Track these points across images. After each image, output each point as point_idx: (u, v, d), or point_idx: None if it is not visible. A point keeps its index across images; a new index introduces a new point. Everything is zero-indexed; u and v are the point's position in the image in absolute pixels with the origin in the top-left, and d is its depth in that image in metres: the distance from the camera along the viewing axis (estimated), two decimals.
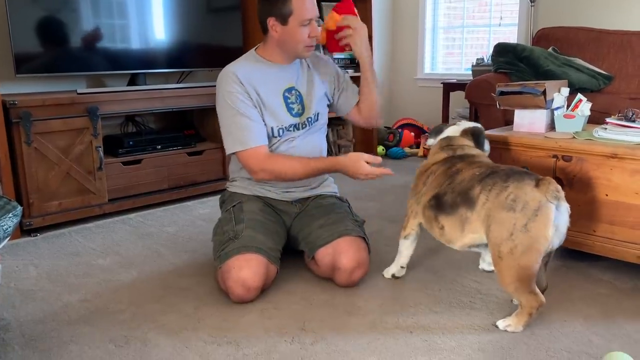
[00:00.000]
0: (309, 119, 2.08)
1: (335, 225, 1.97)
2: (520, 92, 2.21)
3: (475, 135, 1.96)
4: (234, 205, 2.05)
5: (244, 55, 2.10)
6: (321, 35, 2.04)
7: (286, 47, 1.99)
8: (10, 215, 1.42)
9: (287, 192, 2.10)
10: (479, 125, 2.02)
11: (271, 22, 1.94)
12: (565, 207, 1.61)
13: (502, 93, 2.24)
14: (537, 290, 1.62)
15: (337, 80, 2.20)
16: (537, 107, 2.19)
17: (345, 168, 1.93)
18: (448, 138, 1.96)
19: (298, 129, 2.06)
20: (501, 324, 1.66)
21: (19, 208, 1.49)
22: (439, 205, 1.76)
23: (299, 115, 2.06)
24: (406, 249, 2.00)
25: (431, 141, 2.02)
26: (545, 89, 2.13)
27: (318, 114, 2.11)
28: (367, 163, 1.93)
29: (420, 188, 1.89)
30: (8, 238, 1.45)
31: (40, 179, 2.58)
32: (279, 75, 2.04)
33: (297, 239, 2.08)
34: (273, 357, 1.53)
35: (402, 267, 2.02)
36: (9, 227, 1.41)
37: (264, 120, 1.97)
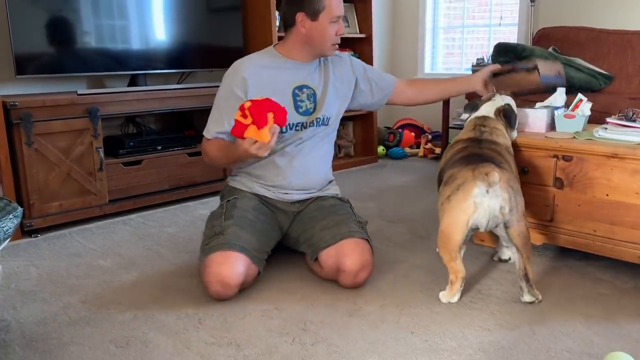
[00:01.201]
0: (318, 120, 2.07)
1: (338, 227, 1.97)
2: (512, 70, 2.22)
3: (507, 116, 2.07)
4: (229, 200, 2.06)
5: (261, 50, 2.11)
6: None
7: (313, 44, 1.99)
8: (10, 216, 1.43)
9: (286, 194, 2.10)
10: (510, 102, 2.10)
11: (300, 17, 1.94)
12: (496, 193, 1.72)
13: (495, 75, 2.25)
14: (458, 261, 1.79)
15: (360, 78, 2.20)
16: (533, 83, 2.18)
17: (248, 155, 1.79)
18: (483, 118, 2.06)
19: (305, 128, 2.05)
20: (440, 294, 1.86)
21: (20, 209, 1.49)
22: (440, 180, 1.94)
23: (308, 113, 2.05)
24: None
25: (465, 115, 2.12)
26: (537, 65, 2.14)
27: (329, 117, 2.09)
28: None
29: (442, 163, 2.03)
30: (9, 239, 1.45)
31: (40, 180, 2.58)
32: (293, 72, 2.04)
33: (298, 241, 2.07)
34: (274, 357, 1.53)
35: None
36: (10, 228, 1.41)
37: None
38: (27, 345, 1.62)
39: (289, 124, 2.00)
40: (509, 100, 2.12)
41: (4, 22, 2.64)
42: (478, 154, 1.85)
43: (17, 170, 2.54)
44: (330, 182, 2.24)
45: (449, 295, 1.83)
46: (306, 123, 2.05)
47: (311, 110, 2.05)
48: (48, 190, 2.61)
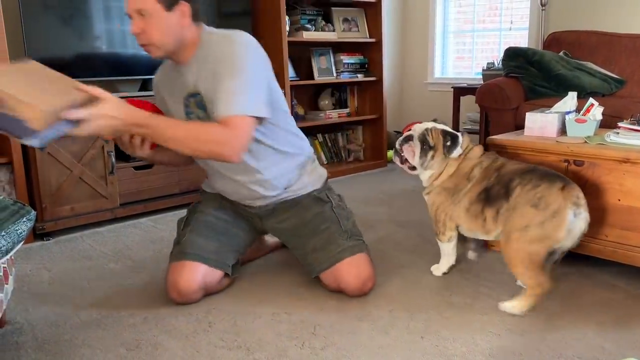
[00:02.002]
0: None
1: (329, 248, 1.88)
2: None
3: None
4: (192, 206, 2.08)
5: None
6: None
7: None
8: (24, 219, 1.44)
9: (244, 204, 1.99)
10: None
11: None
12: (584, 215, 1.74)
13: None
14: (544, 277, 1.73)
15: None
16: None
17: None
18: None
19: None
20: (507, 305, 1.78)
21: (33, 213, 1.50)
22: (487, 197, 1.86)
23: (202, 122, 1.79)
24: (453, 250, 2.07)
25: (458, 151, 1.95)
26: None
27: None
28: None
29: (463, 185, 1.94)
30: (22, 242, 1.47)
31: (53, 183, 2.60)
32: (178, 81, 1.81)
33: (295, 255, 2.05)
34: None
35: (451, 265, 2.12)
36: (23, 231, 1.42)
37: None
38: (39, 347, 1.63)
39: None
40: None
41: (19, 29, 2.67)
42: (536, 169, 1.82)
43: (29, 174, 2.57)
44: (294, 182, 1.97)
45: (522, 306, 1.76)
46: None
47: (204, 118, 1.78)
48: (60, 194, 2.63)
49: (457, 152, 1.93)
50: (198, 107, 1.78)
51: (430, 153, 1.96)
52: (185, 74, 1.77)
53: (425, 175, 2.03)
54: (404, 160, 2.02)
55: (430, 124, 1.99)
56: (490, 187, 1.86)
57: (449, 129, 1.98)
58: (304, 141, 2.03)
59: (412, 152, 1.99)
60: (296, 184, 1.97)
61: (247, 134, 1.63)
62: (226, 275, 1.95)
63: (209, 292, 1.92)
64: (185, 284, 1.83)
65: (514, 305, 1.77)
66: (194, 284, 1.84)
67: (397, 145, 2.03)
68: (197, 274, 1.84)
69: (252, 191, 1.91)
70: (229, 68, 1.65)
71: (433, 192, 2.02)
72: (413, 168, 2.02)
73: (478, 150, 1.99)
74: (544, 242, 1.71)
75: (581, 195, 1.74)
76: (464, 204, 1.92)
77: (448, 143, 1.93)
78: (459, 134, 1.96)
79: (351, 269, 1.87)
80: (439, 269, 2.11)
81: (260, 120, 1.71)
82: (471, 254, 2.25)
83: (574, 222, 1.71)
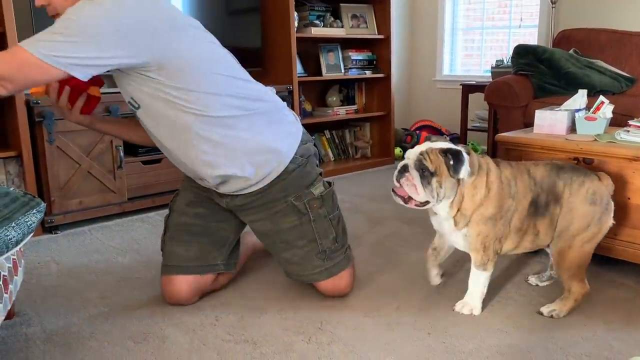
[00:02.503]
0: (131, 105, 1.70)
1: (305, 267, 1.81)
2: None
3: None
4: (171, 201, 1.97)
5: None
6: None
7: None
8: (34, 211, 1.45)
9: (215, 191, 1.83)
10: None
11: None
12: (612, 203, 1.76)
13: None
14: (585, 279, 1.73)
15: None
16: None
17: None
18: (464, 147, 1.68)
19: (136, 111, 1.71)
20: (545, 310, 1.74)
21: (43, 204, 1.51)
22: (537, 209, 1.70)
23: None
24: (487, 282, 1.77)
25: (466, 168, 1.60)
26: None
27: (131, 97, 1.66)
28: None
29: (508, 205, 1.67)
30: (32, 234, 1.48)
31: (61, 177, 2.61)
32: None
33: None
34: (290, 356, 1.54)
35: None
36: (33, 222, 1.43)
37: None
38: (48, 339, 1.64)
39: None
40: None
41: (29, 23, 2.68)
42: (562, 164, 1.75)
43: (38, 167, 2.58)
44: (271, 170, 1.74)
45: (562, 311, 1.73)
46: (131, 107, 1.72)
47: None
48: (69, 188, 2.65)
49: (466, 169, 1.59)
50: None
51: (435, 180, 1.60)
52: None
53: (443, 207, 1.67)
54: (407, 199, 1.65)
55: (424, 146, 1.63)
56: (536, 198, 1.69)
57: (448, 145, 1.63)
58: (260, 102, 1.71)
59: (413, 186, 1.62)
60: (263, 171, 1.73)
61: (14, 64, 1.41)
62: (219, 273, 1.92)
63: (206, 293, 1.91)
64: (176, 295, 1.84)
65: (552, 310, 1.73)
66: (184, 294, 1.84)
67: (394, 181, 1.66)
68: (184, 285, 1.83)
69: (197, 169, 1.71)
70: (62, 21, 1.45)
71: (473, 223, 1.66)
72: (424, 203, 1.65)
73: (489, 160, 1.70)
74: (597, 238, 1.71)
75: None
76: (515, 223, 1.70)
77: (451, 162, 1.59)
78: (460, 148, 1.63)
79: (327, 285, 1.85)
80: (478, 307, 1.77)
81: (59, 73, 1.44)
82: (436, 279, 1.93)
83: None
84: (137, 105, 1.66)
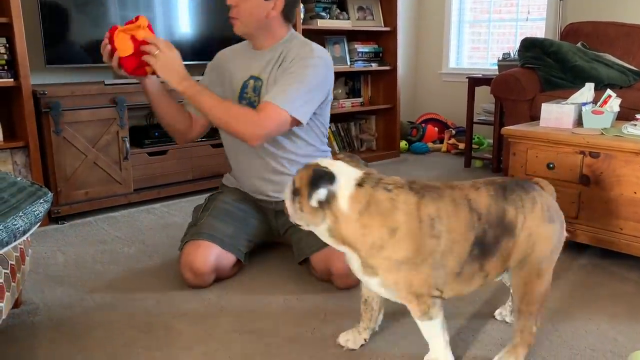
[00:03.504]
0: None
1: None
2: None
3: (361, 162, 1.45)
4: (212, 194, 2.12)
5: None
6: (114, 62, 1.72)
7: None
8: (41, 201, 1.46)
9: (254, 192, 2.06)
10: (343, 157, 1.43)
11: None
12: None
13: None
14: None
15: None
16: None
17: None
18: (367, 175, 1.35)
19: None
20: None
21: (50, 194, 1.52)
22: (484, 249, 1.34)
23: (252, 105, 1.87)
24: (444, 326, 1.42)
25: (322, 193, 1.29)
26: None
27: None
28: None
29: (431, 245, 1.30)
30: (39, 223, 1.49)
31: (68, 168, 2.63)
32: (247, 62, 1.94)
33: (290, 244, 2.05)
34: (294, 347, 1.55)
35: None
36: (40, 212, 1.44)
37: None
38: (54, 327, 1.66)
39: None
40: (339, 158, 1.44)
41: (35, 15, 2.69)
42: (504, 182, 1.41)
43: (45, 158, 2.59)
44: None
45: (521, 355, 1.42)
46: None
47: (255, 102, 1.88)
48: (75, 178, 2.66)
49: (318, 197, 1.29)
50: (254, 91, 1.90)
51: (297, 200, 1.34)
52: (257, 59, 1.92)
53: (323, 236, 1.38)
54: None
55: (325, 162, 1.36)
56: (482, 237, 1.33)
57: (330, 167, 1.32)
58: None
59: (287, 199, 1.38)
60: None
61: (274, 124, 1.73)
62: (237, 262, 1.96)
63: (220, 277, 1.94)
64: (200, 264, 1.84)
65: None
66: (209, 264, 1.85)
67: None
68: (211, 254, 1.86)
69: (264, 183, 1.97)
70: (297, 71, 1.78)
71: (381, 270, 1.32)
72: (300, 224, 1.40)
73: (406, 195, 1.32)
74: (557, 255, 1.43)
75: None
76: (451, 268, 1.33)
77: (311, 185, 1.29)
78: (335, 170, 1.31)
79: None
80: (447, 357, 1.42)
81: (296, 122, 1.80)
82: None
83: None
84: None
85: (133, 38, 1.68)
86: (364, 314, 1.55)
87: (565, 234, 1.44)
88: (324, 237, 1.38)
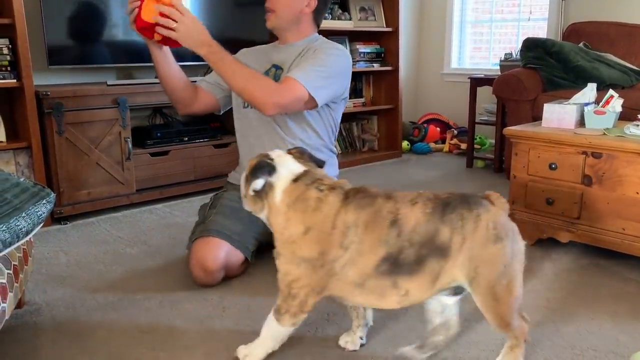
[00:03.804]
0: None
1: None
2: None
3: (311, 158, 1.47)
4: (217, 193, 2.14)
5: None
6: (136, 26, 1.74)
7: None
8: (44, 201, 1.46)
9: None
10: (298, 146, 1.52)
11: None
12: None
13: None
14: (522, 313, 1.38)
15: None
16: None
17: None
18: (305, 173, 1.38)
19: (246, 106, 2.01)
20: None
21: (52, 195, 1.52)
22: (397, 267, 1.28)
23: None
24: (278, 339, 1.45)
25: (259, 183, 1.35)
26: None
27: None
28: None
29: (335, 255, 1.30)
30: (41, 224, 1.49)
31: (70, 168, 2.63)
32: (271, 53, 2.06)
33: None
34: (297, 347, 1.55)
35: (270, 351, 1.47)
36: (43, 213, 1.45)
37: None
38: (57, 328, 1.66)
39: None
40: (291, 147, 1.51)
41: (38, 15, 2.69)
42: (449, 198, 1.33)
43: (48, 158, 2.60)
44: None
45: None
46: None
47: None
48: (77, 179, 2.67)
49: (254, 187, 1.35)
50: (274, 78, 1.94)
51: (245, 186, 1.41)
52: (281, 51, 2.02)
53: (266, 224, 1.44)
54: None
55: (275, 153, 1.42)
56: (395, 255, 1.27)
57: (276, 160, 1.38)
58: (331, 164, 2.09)
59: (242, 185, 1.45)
60: None
61: (291, 96, 1.76)
62: (244, 261, 1.97)
63: (228, 275, 1.94)
64: (211, 261, 1.84)
65: None
66: (219, 260, 1.86)
67: None
68: (221, 250, 1.86)
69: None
70: (319, 56, 1.86)
71: (282, 258, 1.36)
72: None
73: (334, 197, 1.33)
74: (520, 273, 1.33)
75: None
76: (352, 278, 1.31)
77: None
78: (279, 164, 1.37)
79: None
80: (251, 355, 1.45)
81: (311, 103, 1.84)
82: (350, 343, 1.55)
83: None
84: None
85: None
86: (351, 313, 1.55)
87: (521, 247, 1.32)
88: (267, 223, 1.43)
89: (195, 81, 2.11)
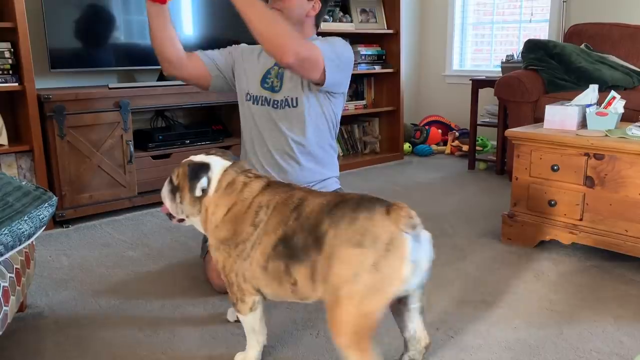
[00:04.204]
0: (284, 101, 1.96)
1: None
2: None
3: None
4: None
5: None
6: None
7: None
8: (46, 205, 1.46)
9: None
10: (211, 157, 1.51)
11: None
12: (426, 237, 1.27)
13: None
14: (372, 350, 1.24)
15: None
16: None
17: None
18: (235, 164, 1.48)
19: (276, 108, 1.96)
20: None
21: (54, 198, 1.52)
22: (289, 250, 1.30)
23: (272, 90, 1.96)
24: (259, 323, 1.47)
25: (204, 181, 1.42)
26: None
27: (296, 98, 1.94)
28: None
29: (248, 233, 1.36)
30: (44, 227, 1.49)
31: (72, 171, 2.64)
32: None
33: None
34: (299, 350, 1.55)
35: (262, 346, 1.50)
36: (45, 216, 1.45)
37: (233, 76, 2.06)
38: (60, 331, 1.66)
39: (253, 94, 1.98)
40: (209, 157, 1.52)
41: (40, 19, 2.70)
42: (346, 199, 1.31)
43: (49, 161, 2.60)
44: (329, 179, 2.06)
45: None
46: (273, 101, 1.96)
47: (277, 88, 1.96)
48: (79, 182, 2.67)
49: (200, 186, 1.41)
50: (276, 77, 1.96)
51: (178, 195, 1.47)
52: None
53: (198, 226, 1.51)
54: (170, 215, 1.53)
55: (197, 157, 1.48)
56: (290, 236, 1.31)
57: (203, 159, 1.46)
58: (331, 162, 2.09)
59: (166, 198, 1.52)
60: (326, 182, 2.04)
61: (310, 52, 1.75)
62: None
63: None
64: None
65: None
66: None
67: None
68: None
69: (272, 170, 1.97)
70: (329, 40, 1.90)
71: (212, 247, 1.44)
72: (181, 219, 1.53)
73: (258, 183, 1.43)
74: (383, 292, 1.21)
75: (412, 212, 1.25)
76: (257, 260, 1.35)
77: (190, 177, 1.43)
78: (210, 161, 1.46)
79: None
80: (246, 358, 1.48)
81: (319, 77, 1.83)
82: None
83: (417, 249, 1.23)
84: (295, 104, 1.95)
85: None
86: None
87: (393, 271, 1.20)
88: (199, 227, 1.50)
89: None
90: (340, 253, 1.22)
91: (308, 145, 1.97)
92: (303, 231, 1.29)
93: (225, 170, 1.44)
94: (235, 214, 1.38)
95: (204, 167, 1.43)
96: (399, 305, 1.37)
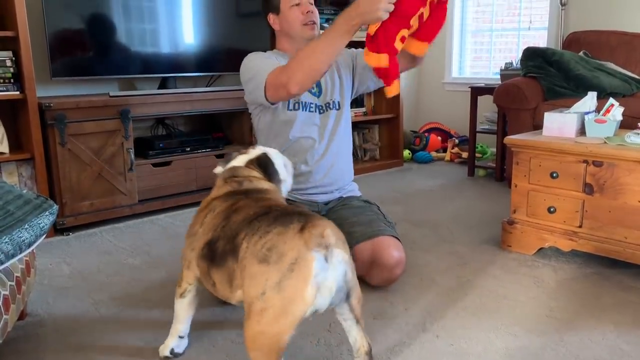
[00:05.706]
0: (329, 104, 2.10)
1: (371, 225, 1.97)
2: None
3: (262, 165, 1.58)
4: None
5: (267, 52, 2.15)
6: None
7: (290, 33, 2.05)
8: (47, 213, 1.47)
9: (309, 195, 2.10)
10: (269, 151, 1.63)
11: (271, 18, 2.06)
12: (339, 258, 1.22)
13: None
14: None
15: (356, 60, 2.24)
16: None
17: (360, 5, 1.66)
18: (233, 168, 1.56)
19: (321, 112, 2.08)
20: None
21: (55, 207, 1.53)
22: (211, 254, 1.36)
23: (317, 95, 2.08)
24: (184, 311, 1.54)
25: (219, 169, 1.60)
26: None
27: (338, 102, 2.12)
28: None
29: (197, 230, 1.45)
30: (44, 235, 1.50)
31: (73, 179, 2.64)
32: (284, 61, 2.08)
33: None
34: (299, 358, 1.55)
35: (180, 337, 1.57)
36: (45, 224, 1.45)
37: None
38: (60, 339, 1.66)
39: (303, 102, 2.03)
40: (268, 150, 1.64)
41: (41, 27, 2.71)
42: (271, 211, 1.31)
43: (50, 169, 2.61)
44: (351, 183, 2.24)
45: None
46: (319, 106, 2.08)
47: (316, 93, 2.08)
48: (80, 190, 2.67)
49: (216, 170, 1.62)
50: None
51: None
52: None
53: None
54: None
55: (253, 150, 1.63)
56: (214, 241, 1.35)
57: (233, 154, 1.64)
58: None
59: None
60: (349, 187, 2.20)
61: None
62: None
63: None
64: None
65: None
66: None
67: None
68: None
69: (335, 173, 2.12)
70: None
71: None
72: None
73: (225, 188, 1.51)
74: (289, 314, 1.17)
75: (332, 232, 1.21)
76: (196, 255, 1.43)
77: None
78: (229, 154, 1.66)
79: (392, 244, 1.91)
80: (165, 347, 1.55)
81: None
82: None
83: (324, 269, 1.18)
84: (338, 107, 2.14)
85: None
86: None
87: (297, 293, 1.17)
88: None
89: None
90: (250, 267, 1.22)
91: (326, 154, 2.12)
92: (225, 238, 1.33)
93: (223, 173, 1.57)
94: (199, 212, 1.51)
95: (226, 159, 1.64)
96: (337, 315, 1.37)
